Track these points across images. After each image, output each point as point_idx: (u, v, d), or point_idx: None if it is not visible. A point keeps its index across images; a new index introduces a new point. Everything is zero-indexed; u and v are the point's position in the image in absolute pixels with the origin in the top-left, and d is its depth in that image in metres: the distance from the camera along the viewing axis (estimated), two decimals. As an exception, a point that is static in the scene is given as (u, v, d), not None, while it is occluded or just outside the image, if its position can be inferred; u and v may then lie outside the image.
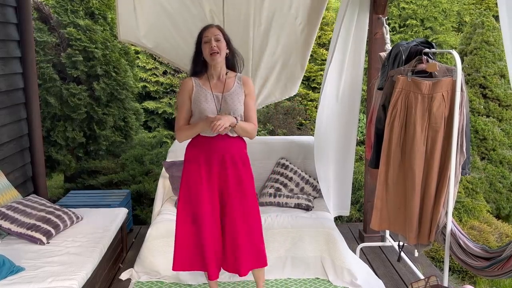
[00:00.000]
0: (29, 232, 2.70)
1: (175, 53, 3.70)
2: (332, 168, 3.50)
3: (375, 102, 3.02)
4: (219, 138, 2.42)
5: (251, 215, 2.48)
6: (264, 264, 2.54)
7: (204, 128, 2.37)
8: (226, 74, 2.46)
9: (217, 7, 3.48)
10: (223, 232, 2.48)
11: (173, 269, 2.51)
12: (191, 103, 2.43)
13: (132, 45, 4.75)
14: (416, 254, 3.36)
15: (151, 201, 4.34)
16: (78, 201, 3.75)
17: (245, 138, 2.54)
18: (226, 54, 2.43)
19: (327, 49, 6.48)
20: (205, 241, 2.44)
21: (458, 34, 7.06)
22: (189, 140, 2.51)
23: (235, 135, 2.46)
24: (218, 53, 2.35)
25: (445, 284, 2.53)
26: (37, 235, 2.70)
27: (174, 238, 2.52)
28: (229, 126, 2.33)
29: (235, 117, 2.37)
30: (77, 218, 3.06)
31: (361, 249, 3.49)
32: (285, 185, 3.55)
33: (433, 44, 2.69)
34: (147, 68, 6.26)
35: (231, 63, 2.48)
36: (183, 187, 2.49)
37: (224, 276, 3.00)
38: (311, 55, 6.56)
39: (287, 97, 3.92)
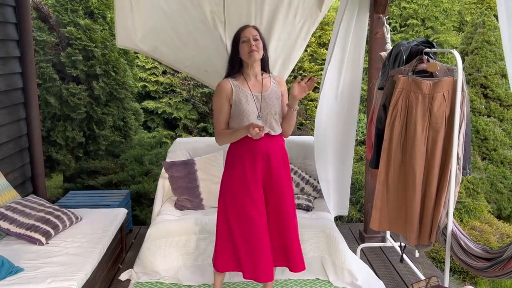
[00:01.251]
0: (28, 233, 2.69)
1: (174, 56, 3.68)
2: (331, 167, 3.49)
3: (375, 102, 3.01)
4: (262, 138, 2.42)
5: (293, 213, 2.52)
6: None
7: (244, 135, 2.37)
8: (262, 75, 2.49)
9: (218, 7, 3.46)
10: (277, 231, 2.49)
11: (219, 270, 2.54)
12: (231, 105, 2.43)
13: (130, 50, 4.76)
14: (417, 254, 3.35)
15: (151, 201, 4.33)
16: (78, 202, 3.74)
17: None
18: (262, 55, 2.44)
19: (327, 49, 6.46)
20: (263, 243, 2.43)
21: (459, 34, 7.05)
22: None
23: (277, 133, 2.48)
24: (256, 51, 2.37)
25: (446, 284, 2.52)
26: (36, 235, 2.69)
27: (220, 241, 2.51)
28: (290, 108, 2.41)
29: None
30: (77, 218, 3.05)
31: (361, 249, 3.48)
32: (285, 185, 3.54)
33: (434, 43, 2.68)
34: (147, 67, 6.25)
35: (265, 65, 2.51)
36: (229, 192, 2.46)
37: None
38: (311, 55, 6.56)
39: None
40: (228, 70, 2.49)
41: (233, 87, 2.43)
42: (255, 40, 2.38)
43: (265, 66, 2.50)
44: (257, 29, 2.44)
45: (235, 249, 2.48)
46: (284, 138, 2.59)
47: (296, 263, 2.51)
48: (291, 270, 2.53)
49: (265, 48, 2.46)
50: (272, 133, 2.46)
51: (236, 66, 2.46)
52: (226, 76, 2.49)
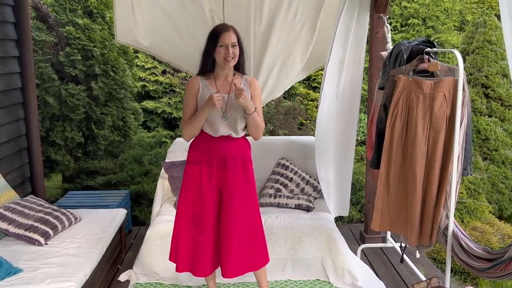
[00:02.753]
0: (27, 233, 2.68)
1: (175, 54, 3.68)
2: (332, 168, 3.47)
3: (376, 102, 3.00)
4: (221, 139, 2.44)
5: (249, 217, 2.48)
6: (265, 262, 2.55)
7: (207, 111, 2.36)
8: (234, 75, 2.48)
9: (217, 7, 3.46)
10: (220, 233, 2.48)
11: (179, 270, 2.53)
12: (197, 103, 2.44)
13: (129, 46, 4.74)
14: (418, 255, 3.33)
15: (150, 201, 4.32)
16: (77, 202, 3.72)
17: (248, 139, 2.54)
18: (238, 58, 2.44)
19: (328, 48, 6.43)
20: (204, 241, 2.44)
21: (460, 33, 7.03)
22: (192, 141, 2.53)
23: (239, 136, 2.47)
24: (233, 58, 2.37)
25: (447, 285, 2.51)
26: (35, 236, 2.68)
27: (174, 239, 2.52)
28: (245, 113, 2.38)
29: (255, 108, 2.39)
30: (76, 219, 3.04)
31: (362, 250, 3.46)
32: (286, 186, 3.52)
33: (435, 43, 2.67)
34: (146, 67, 6.23)
35: (240, 66, 2.49)
36: (183, 189, 2.50)
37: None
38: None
39: (282, 92, 3.93)
40: (201, 67, 2.46)
41: (200, 86, 2.43)
42: (233, 46, 2.36)
43: (239, 67, 2.48)
44: (236, 33, 2.42)
45: (177, 243, 2.49)
46: (257, 140, 2.58)
47: (226, 269, 2.46)
48: (222, 274, 2.49)
49: (241, 51, 2.44)
50: (234, 135, 2.45)
51: (209, 64, 2.43)
52: (199, 73, 2.48)
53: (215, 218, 2.47)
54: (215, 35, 2.39)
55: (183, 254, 2.50)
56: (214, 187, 2.45)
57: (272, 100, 5.52)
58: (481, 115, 5.13)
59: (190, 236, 2.48)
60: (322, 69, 5.97)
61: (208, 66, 2.44)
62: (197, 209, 2.46)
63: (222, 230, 2.46)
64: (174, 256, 2.54)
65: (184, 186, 2.49)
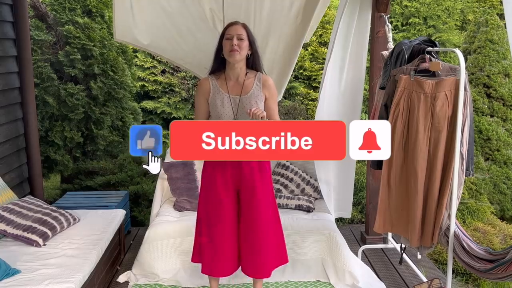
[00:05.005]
0: (25, 234, 2.66)
1: (175, 53, 3.66)
2: (333, 169, 3.45)
3: (377, 102, 2.98)
4: None
5: (271, 216, 2.44)
6: (285, 261, 2.54)
7: None
8: (246, 74, 2.40)
9: (217, 6, 3.44)
10: (241, 235, 2.44)
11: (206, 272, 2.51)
12: (209, 105, 2.40)
13: (129, 45, 4.71)
14: (419, 256, 3.31)
15: (149, 202, 4.31)
16: (75, 203, 3.71)
17: None
18: (248, 55, 2.38)
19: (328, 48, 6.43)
20: (219, 241, 2.41)
21: (461, 33, 7.01)
22: None
23: None
24: (237, 51, 2.30)
25: (448, 287, 2.50)
26: (33, 237, 2.66)
27: (196, 242, 2.51)
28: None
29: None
30: (74, 219, 3.02)
31: (363, 251, 3.44)
32: (286, 186, 3.50)
33: (436, 42, 2.65)
34: (145, 67, 6.21)
35: (253, 64, 2.42)
36: (200, 191, 2.48)
37: (223, 278, 2.96)
38: (312, 54, 6.52)
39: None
40: (212, 66, 2.43)
41: (211, 87, 2.39)
42: (239, 39, 2.30)
43: (254, 65, 2.42)
44: (245, 27, 2.37)
45: (201, 245, 2.48)
46: None
47: (259, 270, 2.44)
48: (253, 276, 2.48)
49: (253, 47, 2.39)
50: None
51: (218, 62, 2.40)
52: (210, 72, 2.43)
53: (234, 219, 2.42)
54: (223, 30, 2.37)
55: (206, 256, 2.47)
56: (231, 188, 2.39)
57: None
58: (483, 115, 5.11)
59: (209, 237, 2.44)
60: (323, 69, 5.94)
61: (217, 64, 2.40)
62: (214, 211, 2.41)
63: (246, 230, 2.42)
64: (197, 257, 2.52)
65: (201, 189, 2.47)
